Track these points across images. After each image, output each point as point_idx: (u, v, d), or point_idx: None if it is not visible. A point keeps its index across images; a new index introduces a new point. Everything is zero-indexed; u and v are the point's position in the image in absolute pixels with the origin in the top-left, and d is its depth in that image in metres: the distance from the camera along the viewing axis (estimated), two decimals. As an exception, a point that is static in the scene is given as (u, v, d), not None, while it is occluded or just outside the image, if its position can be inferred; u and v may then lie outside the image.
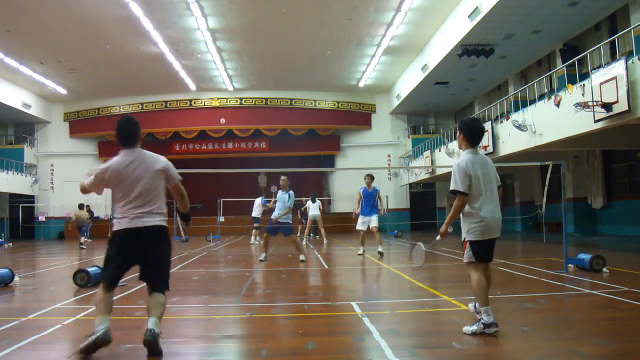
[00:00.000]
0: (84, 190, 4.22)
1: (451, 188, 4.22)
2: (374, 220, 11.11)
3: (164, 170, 4.23)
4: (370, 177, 11.28)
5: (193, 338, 4.39)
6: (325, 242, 15.99)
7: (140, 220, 4.01)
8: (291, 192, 10.22)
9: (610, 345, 3.78)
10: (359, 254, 11.46)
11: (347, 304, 5.53)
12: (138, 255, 4.01)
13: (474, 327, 4.02)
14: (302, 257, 10.15)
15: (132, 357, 3.71)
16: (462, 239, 4.33)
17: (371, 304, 5.74)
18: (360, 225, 11.30)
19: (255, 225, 17.08)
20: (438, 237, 4.51)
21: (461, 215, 4.30)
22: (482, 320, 4.01)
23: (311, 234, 18.19)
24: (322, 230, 16.52)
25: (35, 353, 3.85)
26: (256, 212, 16.83)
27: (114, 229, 4.01)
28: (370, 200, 11.11)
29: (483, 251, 4.23)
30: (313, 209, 16.14)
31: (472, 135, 4.32)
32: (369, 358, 3.70)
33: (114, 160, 4.04)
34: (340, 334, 4.40)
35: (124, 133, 4.07)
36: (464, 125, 4.40)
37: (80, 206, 18.27)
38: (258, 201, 16.98)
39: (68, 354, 3.87)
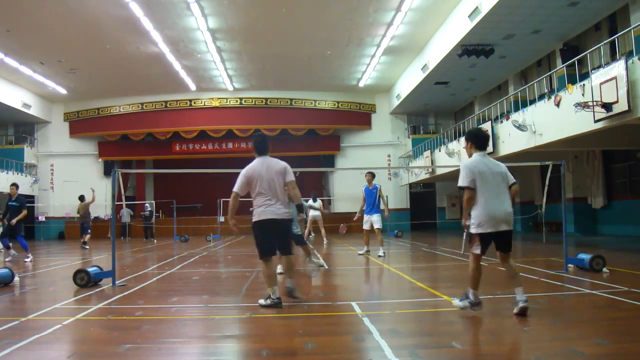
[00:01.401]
0: (236, 195, 5.61)
1: (458, 184, 4.79)
2: (376, 221, 11.06)
3: (282, 171, 5.53)
4: (371, 175, 11.18)
5: (193, 338, 4.39)
6: (325, 242, 15.95)
7: (273, 211, 5.36)
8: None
9: (610, 345, 3.78)
10: (360, 254, 11.45)
11: (347, 304, 5.53)
12: (274, 234, 5.48)
13: (463, 303, 4.78)
14: (319, 262, 9.50)
15: (132, 357, 3.71)
16: (472, 233, 4.81)
17: (371, 304, 5.74)
18: (364, 224, 11.24)
19: None
20: (465, 233, 5.28)
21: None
22: (469, 299, 4.72)
23: (312, 234, 18.07)
24: (323, 230, 16.47)
25: (35, 353, 3.85)
26: None
27: (255, 219, 5.47)
28: (371, 198, 11.07)
29: (487, 242, 4.75)
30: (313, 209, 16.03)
31: (478, 142, 4.92)
32: (369, 358, 3.70)
33: (253, 165, 5.48)
34: (340, 334, 4.40)
35: (260, 145, 5.60)
36: (471, 135, 5.00)
37: (81, 198, 16.98)
38: None
39: (68, 354, 3.87)
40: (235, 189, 5.51)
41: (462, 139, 18.29)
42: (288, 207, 5.58)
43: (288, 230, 5.68)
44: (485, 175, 4.71)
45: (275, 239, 5.51)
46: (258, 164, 5.48)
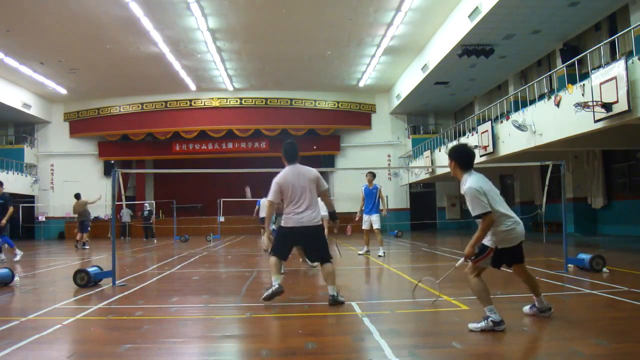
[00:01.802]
0: (271, 204, 5.58)
1: (476, 213, 4.17)
2: (375, 221, 11.06)
3: (315, 179, 5.59)
4: (372, 175, 11.17)
5: (193, 338, 4.39)
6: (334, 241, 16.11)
7: (303, 218, 5.43)
8: None
9: (610, 345, 3.78)
10: (360, 254, 11.45)
11: (347, 304, 5.53)
12: (303, 242, 5.79)
13: (482, 324, 4.09)
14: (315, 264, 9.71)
15: (132, 357, 3.71)
16: (486, 247, 4.31)
17: (371, 304, 5.74)
18: (363, 224, 11.25)
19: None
20: (461, 260, 4.48)
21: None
22: (491, 319, 4.11)
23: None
24: (326, 230, 16.53)
25: (35, 353, 3.85)
26: (263, 212, 16.60)
27: (282, 224, 5.55)
28: (371, 198, 11.07)
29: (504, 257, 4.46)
30: (321, 208, 15.99)
31: (463, 161, 4.41)
32: (369, 358, 3.70)
33: (284, 173, 5.54)
34: (340, 334, 4.40)
35: (289, 152, 5.63)
36: (454, 153, 4.46)
37: (77, 196, 16.58)
38: (264, 202, 16.78)
39: (68, 354, 3.87)
40: (270, 197, 5.50)
41: (463, 139, 18.30)
42: (319, 213, 5.59)
43: (318, 236, 5.53)
44: (493, 191, 4.32)
45: (303, 245, 5.98)
46: (290, 172, 5.51)
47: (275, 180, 5.51)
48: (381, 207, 11.32)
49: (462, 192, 4.31)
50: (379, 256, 10.90)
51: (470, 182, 4.22)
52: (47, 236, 25.85)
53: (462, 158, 4.40)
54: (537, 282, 4.61)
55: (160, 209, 25.71)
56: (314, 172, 5.59)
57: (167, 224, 23.55)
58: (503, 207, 4.28)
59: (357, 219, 11.42)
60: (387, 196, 22.79)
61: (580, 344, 3.77)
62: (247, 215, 23.37)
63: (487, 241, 4.30)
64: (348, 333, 4.39)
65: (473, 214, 4.18)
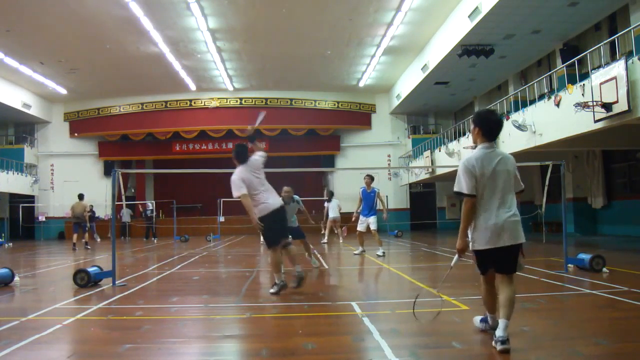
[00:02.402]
0: (246, 195, 6.05)
1: (454, 189, 3.83)
2: (372, 223, 11.08)
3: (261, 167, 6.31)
4: (370, 178, 11.22)
5: (193, 338, 4.39)
6: (341, 241, 16.26)
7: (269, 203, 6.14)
8: (295, 196, 9.94)
9: (611, 345, 3.78)
10: (355, 254, 11.46)
11: (347, 304, 5.53)
12: (281, 222, 6.33)
13: (481, 325, 4.16)
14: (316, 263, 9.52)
15: (132, 357, 3.71)
16: (523, 241, 3.85)
17: (371, 304, 5.74)
18: (359, 226, 11.29)
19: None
20: (456, 257, 3.93)
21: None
22: (487, 323, 4.08)
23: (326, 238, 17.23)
24: (339, 230, 16.69)
25: (35, 353, 3.85)
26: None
27: (259, 215, 6.01)
28: (368, 201, 11.09)
29: (486, 261, 3.85)
30: (332, 209, 16.13)
31: (488, 128, 3.87)
32: (369, 358, 3.70)
33: (240, 171, 6.13)
34: (340, 334, 4.40)
35: (239, 155, 6.30)
36: (480, 118, 3.94)
37: (81, 196, 16.59)
38: None
39: (68, 354, 3.87)
40: (244, 191, 5.97)
41: (463, 139, 18.31)
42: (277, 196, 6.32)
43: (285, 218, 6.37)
44: (493, 177, 3.76)
45: (281, 225, 6.29)
46: (244, 169, 6.11)
47: (235, 178, 6.06)
48: (380, 207, 11.35)
49: (495, 153, 3.86)
50: (379, 256, 10.90)
51: (469, 156, 3.82)
52: (47, 236, 25.85)
53: (488, 125, 3.87)
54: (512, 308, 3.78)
55: (160, 209, 25.71)
56: (258, 162, 6.24)
57: (167, 224, 23.54)
58: (487, 204, 3.74)
59: (353, 219, 11.46)
60: (387, 196, 22.95)
61: (580, 344, 3.77)
62: (247, 215, 23.37)
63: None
64: (348, 333, 4.39)
65: (454, 188, 3.85)
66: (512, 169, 3.87)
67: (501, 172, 3.79)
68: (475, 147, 3.94)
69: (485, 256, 3.80)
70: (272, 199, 6.10)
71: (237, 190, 6.00)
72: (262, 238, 8.47)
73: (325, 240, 16.35)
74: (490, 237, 3.71)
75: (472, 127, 3.97)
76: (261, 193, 6.07)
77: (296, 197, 9.55)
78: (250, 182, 6.03)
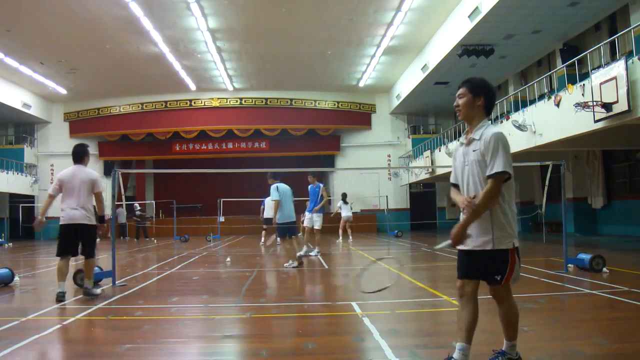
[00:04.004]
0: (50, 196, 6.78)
1: (500, 169, 2.87)
2: (317, 221, 11.23)
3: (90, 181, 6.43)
4: (313, 175, 11.31)
5: (193, 338, 4.39)
6: (350, 240, 16.42)
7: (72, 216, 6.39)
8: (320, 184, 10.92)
9: (610, 345, 3.78)
10: (307, 256, 10.97)
11: (347, 304, 5.53)
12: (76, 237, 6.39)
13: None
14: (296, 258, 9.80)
15: (132, 357, 3.71)
16: (507, 247, 2.99)
17: (371, 304, 5.74)
18: (305, 221, 11.35)
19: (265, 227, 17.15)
20: (447, 242, 3.05)
21: (502, 210, 2.98)
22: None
23: (340, 238, 17.29)
24: (349, 230, 16.87)
25: (35, 353, 3.85)
26: (269, 212, 16.92)
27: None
28: (314, 196, 11.19)
29: None
30: (345, 209, 16.35)
31: (492, 101, 3.23)
32: (369, 358, 3.70)
33: (63, 172, 6.46)
34: (340, 334, 4.40)
35: (76, 155, 6.53)
36: (486, 87, 3.22)
37: None
38: (269, 201, 17.02)
39: (68, 354, 3.87)
40: (50, 190, 6.59)
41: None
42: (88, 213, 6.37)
43: (89, 233, 6.32)
44: None
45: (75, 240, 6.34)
46: (70, 171, 6.48)
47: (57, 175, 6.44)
48: (319, 205, 11.33)
49: (475, 137, 3.06)
50: (314, 255, 10.91)
51: (500, 130, 3.06)
52: (47, 236, 25.80)
53: (492, 98, 3.22)
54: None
55: (160, 209, 25.70)
56: (93, 175, 6.51)
57: (167, 224, 23.53)
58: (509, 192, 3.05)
59: (302, 219, 11.71)
60: (386, 196, 22.99)
61: (580, 344, 3.77)
62: (247, 215, 23.42)
63: (502, 238, 2.96)
64: (348, 333, 4.39)
65: (495, 168, 2.88)
66: None
67: None
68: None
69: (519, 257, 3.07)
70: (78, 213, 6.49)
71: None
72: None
73: (340, 239, 16.54)
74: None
75: (467, 96, 3.18)
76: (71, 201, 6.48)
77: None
78: (68, 186, 6.52)
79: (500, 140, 2.95)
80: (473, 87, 3.20)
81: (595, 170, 17.02)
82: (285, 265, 9.11)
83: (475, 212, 2.91)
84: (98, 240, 6.31)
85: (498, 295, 3.14)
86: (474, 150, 3.05)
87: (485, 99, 3.16)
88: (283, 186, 9.19)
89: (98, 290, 6.26)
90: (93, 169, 6.47)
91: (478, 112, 3.15)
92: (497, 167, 2.89)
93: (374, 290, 3.93)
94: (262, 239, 16.52)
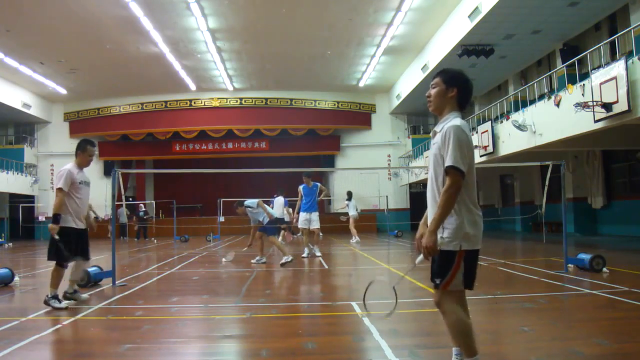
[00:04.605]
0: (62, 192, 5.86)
1: (452, 163, 2.71)
2: (314, 221, 11.05)
3: None
4: (308, 176, 11.14)
5: (193, 338, 4.39)
6: (354, 240, 16.26)
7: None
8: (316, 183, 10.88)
9: (611, 345, 3.77)
10: (303, 257, 10.87)
11: (347, 304, 5.53)
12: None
13: None
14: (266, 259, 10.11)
15: (132, 357, 3.71)
16: (452, 249, 2.78)
17: (371, 304, 5.73)
18: (300, 223, 11.07)
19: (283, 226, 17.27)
20: (420, 258, 2.84)
21: (454, 209, 2.78)
22: None
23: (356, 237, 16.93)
24: (354, 230, 16.73)
25: (35, 353, 3.85)
26: (279, 210, 17.10)
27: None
28: (311, 196, 11.04)
29: (475, 269, 2.88)
30: (351, 208, 16.20)
31: (467, 94, 3.00)
32: (369, 358, 3.70)
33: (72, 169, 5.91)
34: (340, 334, 4.40)
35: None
36: (463, 78, 2.98)
37: None
38: (280, 201, 17.27)
39: (68, 354, 3.87)
40: (62, 187, 5.74)
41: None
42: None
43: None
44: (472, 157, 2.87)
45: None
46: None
47: (66, 173, 5.77)
48: (323, 195, 11.40)
49: (437, 129, 2.91)
50: (316, 256, 10.77)
51: (460, 122, 2.86)
52: (47, 236, 25.55)
53: (467, 91, 3.00)
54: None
55: (160, 209, 25.70)
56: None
57: (167, 224, 23.53)
58: (470, 190, 2.84)
59: (294, 220, 11.47)
60: (386, 196, 22.98)
61: (580, 344, 3.77)
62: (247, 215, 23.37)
63: (449, 238, 2.77)
64: (348, 333, 4.39)
65: (448, 161, 2.72)
66: None
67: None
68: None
69: (475, 262, 2.84)
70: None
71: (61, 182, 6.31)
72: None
73: (356, 237, 16.31)
74: (480, 235, 2.83)
75: (440, 86, 2.96)
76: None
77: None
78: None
79: (455, 133, 2.75)
80: (447, 77, 2.97)
81: (595, 170, 17.02)
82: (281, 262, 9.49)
83: (437, 219, 2.71)
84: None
85: (438, 303, 2.88)
86: (434, 144, 2.89)
87: (458, 91, 2.94)
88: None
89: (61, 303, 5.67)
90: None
91: (449, 103, 2.95)
92: (447, 161, 2.73)
93: (387, 313, 3.64)
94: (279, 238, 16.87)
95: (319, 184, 11.26)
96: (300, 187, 11.22)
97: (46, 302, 5.55)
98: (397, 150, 27.22)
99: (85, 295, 6.14)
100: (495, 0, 13.15)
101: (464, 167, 2.72)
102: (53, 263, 5.89)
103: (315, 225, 11.06)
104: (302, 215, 11.07)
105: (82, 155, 5.98)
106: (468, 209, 2.80)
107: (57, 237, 5.73)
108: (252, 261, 10.22)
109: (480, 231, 2.84)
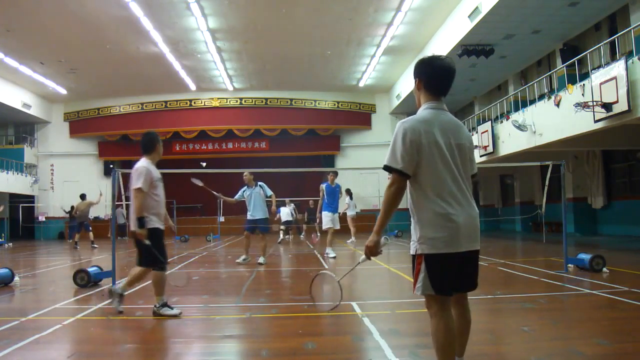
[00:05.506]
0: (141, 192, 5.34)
1: (384, 162, 2.75)
2: (337, 222, 11.09)
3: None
4: (335, 174, 11.14)
5: (193, 338, 4.39)
6: (349, 240, 16.22)
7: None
8: (260, 183, 10.47)
9: (611, 345, 3.78)
10: (332, 257, 10.74)
11: (347, 304, 5.53)
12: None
13: None
14: (260, 260, 9.98)
15: (132, 357, 3.71)
16: (413, 253, 2.76)
17: (371, 304, 5.74)
18: (328, 223, 10.94)
19: (282, 227, 18.03)
20: (363, 257, 3.02)
21: (412, 211, 2.70)
22: None
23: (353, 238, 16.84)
24: (353, 229, 16.64)
25: (35, 353, 3.85)
26: (285, 217, 18.08)
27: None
28: (334, 196, 11.04)
29: (446, 274, 2.66)
30: (351, 207, 16.14)
31: (433, 78, 2.79)
32: (369, 358, 3.70)
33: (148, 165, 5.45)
34: (340, 334, 4.40)
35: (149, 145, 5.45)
36: (423, 65, 2.87)
37: (82, 196, 17.04)
38: (286, 210, 18.18)
39: (68, 354, 3.87)
40: (142, 186, 5.24)
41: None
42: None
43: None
44: (443, 150, 2.62)
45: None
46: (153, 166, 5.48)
47: (143, 170, 5.34)
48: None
49: None
50: (332, 257, 10.58)
51: (411, 117, 2.71)
52: (47, 236, 25.85)
53: (433, 72, 2.80)
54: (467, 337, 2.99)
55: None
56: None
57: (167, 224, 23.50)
58: (442, 185, 2.62)
59: (317, 221, 11.45)
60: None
61: (580, 344, 3.77)
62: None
63: (412, 241, 2.74)
64: (348, 333, 4.39)
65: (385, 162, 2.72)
66: (470, 143, 2.81)
67: (463, 146, 2.72)
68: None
69: (445, 266, 2.65)
70: None
71: (140, 182, 5.67)
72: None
73: (353, 238, 16.24)
74: (450, 237, 2.59)
75: (414, 83, 2.94)
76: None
77: (260, 183, 10.04)
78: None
79: (396, 131, 2.65)
80: (414, 71, 2.90)
81: (595, 170, 17.02)
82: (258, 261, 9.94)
83: (378, 219, 2.71)
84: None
85: (426, 306, 2.82)
86: None
87: (422, 79, 2.82)
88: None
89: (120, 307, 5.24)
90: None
91: (422, 95, 2.82)
92: (385, 160, 2.69)
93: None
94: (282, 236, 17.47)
95: (340, 185, 11.23)
96: (323, 186, 11.09)
97: (156, 313, 5.00)
98: (397, 150, 27.18)
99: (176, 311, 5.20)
100: (495, 0, 13.14)
101: (400, 164, 2.59)
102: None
103: (337, 225, 11.01)
104: (329, 215, 10.94)
105: (157, 150, 5.52)
106: (430, 209, 2.60)
107: (147, 242, 5.15)
108: (237, 260, 10.24)
109: (452, 232, 2.58)
